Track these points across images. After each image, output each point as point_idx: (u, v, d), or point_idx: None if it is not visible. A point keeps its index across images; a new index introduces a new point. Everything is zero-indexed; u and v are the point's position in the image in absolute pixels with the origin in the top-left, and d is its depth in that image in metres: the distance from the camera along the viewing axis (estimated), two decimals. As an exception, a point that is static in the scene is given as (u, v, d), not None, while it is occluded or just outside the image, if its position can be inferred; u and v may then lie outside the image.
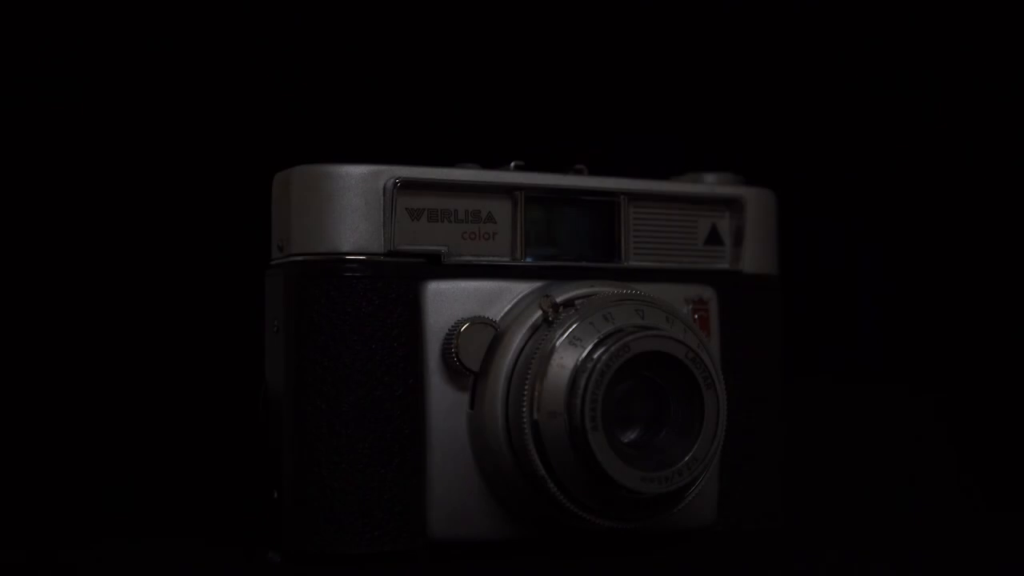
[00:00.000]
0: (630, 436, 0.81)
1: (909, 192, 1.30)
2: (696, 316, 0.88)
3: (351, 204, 0.82)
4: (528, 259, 0.85)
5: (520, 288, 0.84)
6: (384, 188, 0.82)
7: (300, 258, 0.82)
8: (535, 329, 0.82)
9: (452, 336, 0.82)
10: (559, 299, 0.82)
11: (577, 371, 0.79)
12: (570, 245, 0.87)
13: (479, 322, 0.82)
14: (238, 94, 1.18)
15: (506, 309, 0.84)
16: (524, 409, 0.79)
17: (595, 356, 0.79)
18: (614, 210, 0.87)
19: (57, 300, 1.16)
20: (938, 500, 1.07)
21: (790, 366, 0.94)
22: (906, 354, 1.30)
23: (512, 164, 0.86)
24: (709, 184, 0.91)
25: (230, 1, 1.19)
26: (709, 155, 1.01)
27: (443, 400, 0.82)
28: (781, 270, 0.93)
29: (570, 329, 0.80)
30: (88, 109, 1.16)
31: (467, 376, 0.82)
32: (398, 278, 0.82)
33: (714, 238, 0.90)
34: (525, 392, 0.79)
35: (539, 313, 0.82)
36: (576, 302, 0.82)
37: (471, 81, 1.23)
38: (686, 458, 0.80)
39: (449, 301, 0.83)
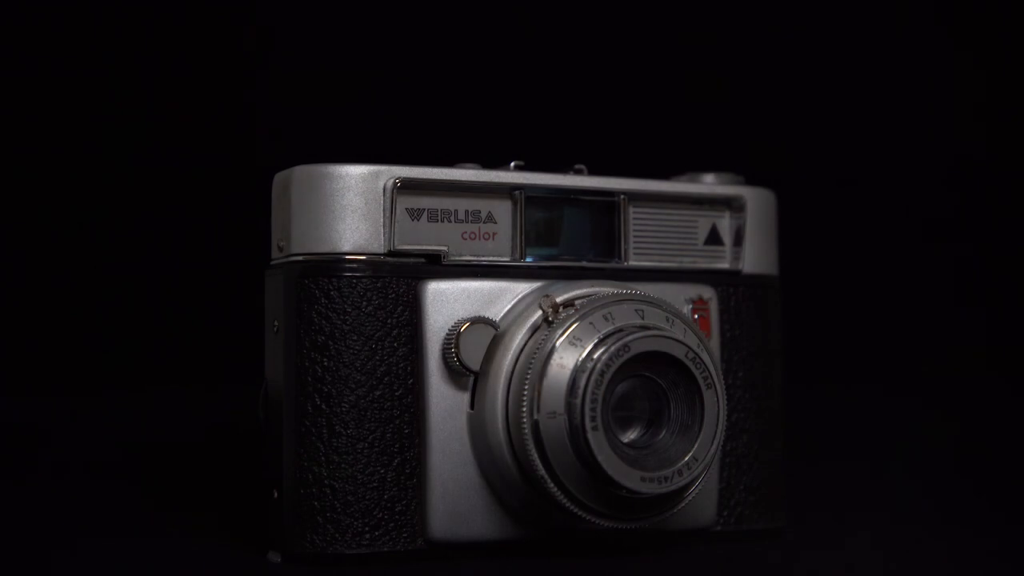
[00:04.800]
0: (630, 436, 0.81)
1: (909, 192, 1.30)
2: (696, 316, 0.88)
3: (351, 204, 0.82)
4: (528, 259, 0.85)
5: (520, 288, 0.84)
6: (384, 188, 0.82)
7: (300, 258, 0.82)
8: (535, 329, 0.82)
9: (452, 336, 0.82)
10: (559, 299, 0.82)
11: (577, 371, 0.79)
12: (570, 245, 0.87)
13: (479, 322, 0.82)
14: (238, 94, 1.18)
15: (506, 309, 0.84)
16: (524, 409, 0.79)
17: (595, 356, 0.79)
18: (614, 210, 0.87)
19: (58, 301, 1.16)
20: (938, 500, 1.07)
21: (790, 366, 0.94)
22: (906, 354, 1.30)
23: (512, 164, 0.86)
24: (709, 184, 0.91)
25: (230, 1, 1.19)
26: (709, 155, 1.01)
27: (443, 400, 0.82)
28: (781, 270, 0.93)
29: (570, 329, 0.80)
30: (88, 109, 1.16)
31: (467, 376, 0.82)
32: (398, 278, 0.82)
33: (714, 238, 0.90)
34: (525, 392, 0.79)
35: (539, 313, 0.82)
36: (576, 302, 0.82)
37: (471, 81, 1.23)
38: (686, 458, 0.80)
39: (449, 301, 0.83)
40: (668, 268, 0.89)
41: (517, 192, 0.85)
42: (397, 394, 0.82)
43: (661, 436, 0.81)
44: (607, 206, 0.87)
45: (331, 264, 0.82)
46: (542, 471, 0.79)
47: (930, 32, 1.29)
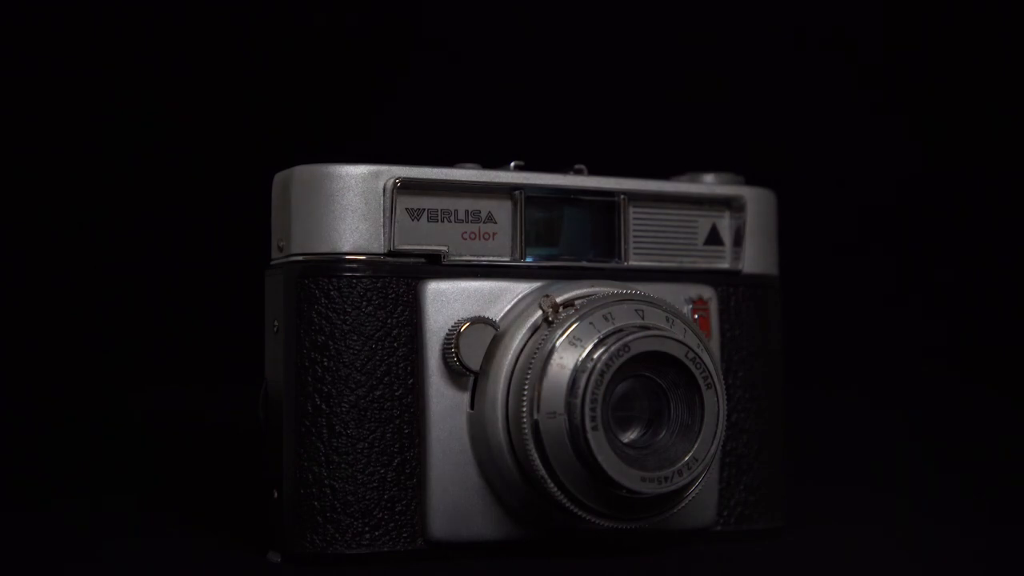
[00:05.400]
0: (630, 436, 0.81)
1: (909, 191, 1.30)
2: (696, 316, 0.88)
3: (351, 204, 0.82)
4: (528, 259, 0.85)
5: (520, 288, 0.84)
6: (384, 188, 0.82)
7: (300, 258, 0.82)
8: (535, 329, 0.82)
9: (452, 336, 0.82)
10: (559, 299, 0.82)
11: (577, 371, 0.79)
12: (570, 245, 0.87)
13: (479, 322, 0.82)
14: (238, 94, 1.18)
15: (506, 309, 0.84)
16: (524, 409, 0.79)
17: (595, 356, 0.79)
18: (614, 210, 0.87)
19: (58, 301, 1.16)
20: (939, 500, 1.07)
21: (790, 366, 0.94)
22: (905, 354, 1.30)
23: (512, 164, 0.86)
24: (709, 184, 0.91)
25: (230, 1, 1.19)
26: (709, 155, 1.01)
27: (443, 400, 0.82)
28: (781, 270, 0.93)
29: (570, 329, 0.80)
30: (88, 109, 1.16)
31: (467, 376, 0.82)
32: (398, 278, 0.82)
33: (714, 238, 0.90)
34: (525, 392, 0.79)
35: (539, 313, 0.82)
36: (576, 302, 0.82)
37: (471, 81, 1.23)
38: (686, 458, 0.80)
39: (449, 301, 0.83)
40: (668, 268, 0.89)
41: (517, 192, 0.85)
42: (397, 394, 0.82)
43: (661, 436, 0.81)
44: (607, 206, 0.87)
45: (331, 264, 0.82)
46: (542, 471, 0.79)
47: (928, 32, 1.29)
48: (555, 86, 1.24)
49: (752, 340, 0.90)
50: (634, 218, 0.88)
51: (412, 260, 0.83)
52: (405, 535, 0.82)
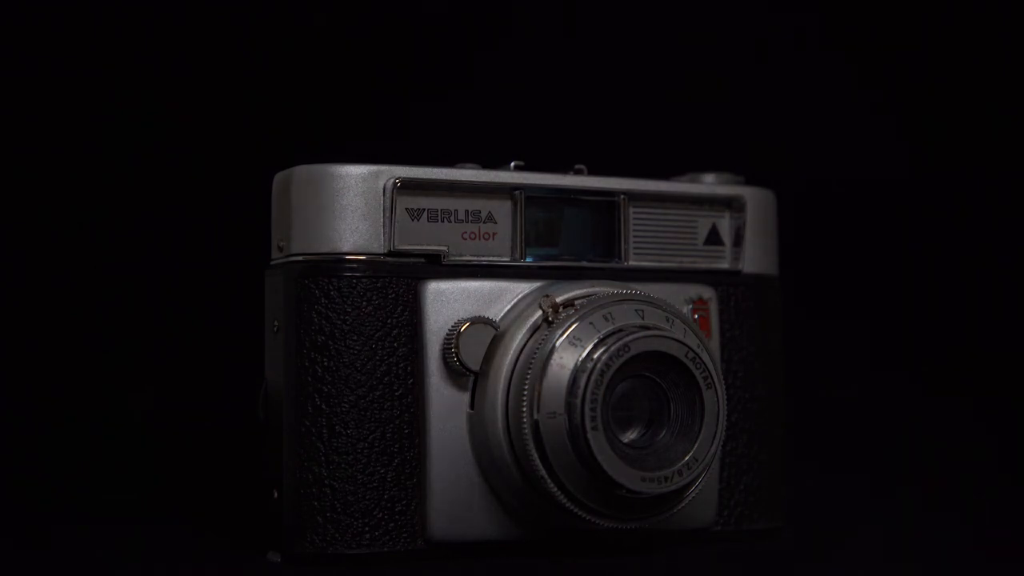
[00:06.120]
0: (630, 436, 0.81)
1: (909, 191, 1.30)
2: (696, 316, 0.88)
3: (351, 204, 0.82)
4: (528, 259, 0.85)
5: (520, 288, 0.84)
6: (384, 188, 0.82)
7: (300, 258, 0.82)
8: (535, 329, 0.82)
9: (452, 336, 0.82)
10: (559, 299, 0.82)
11: (577, 371, 0.79)
12: (570, 245, 0.87)
13: (479, 322, 0.82)
14: (238, 94, 1.18)
15: (506, 309, 0.84)
16: (524, 409, 0.79)
17: (595, 356, 0.79)
18: (614, 210, 0.87)
19: (58, 300, 1.16)
20: (939, 500, 1.07)
21: (790, 366, 0.94)
22: (905, 354, 1.30)
23: (512, 164, 0.86)
24: (709, 184, 0.91)
25: (231, 2, 1.19)
26: (709, 155, 1.01)
27: (443, 400, 0.82)
28: (781, 270, 0.93)
29: (570, 329, 0.80)
30: (88, 109, 1.16)
31: (467, 376, 0.82)
32: (398, 278, 0.82)
33: (714, 238, 0.90)
34: (525, 392, 0.79)
35: (539, 313, 0.82)
36: (576, 302, 0.82)
37: (471, 81, 1.23)
38: (686, 458, 0.80)
39: (449, 301, 0.83)
40: (668, 268, 0.89)
41: (517, 192, 0.85)
42: (397, 394, 0.82)
43: (661, 436, 0.81)
44: (607, 206, 0.87)
45: (331, 264, 0.82)
46: (542, 471, 0.79)
47: (927, 32, 1.29)
48: (555, 86, 1.24)
49: (752, 340, 0.90)
50: (634, 218, 0.88)
51: (412, 260, 0.83)
52: (405, 535, 0.82)
